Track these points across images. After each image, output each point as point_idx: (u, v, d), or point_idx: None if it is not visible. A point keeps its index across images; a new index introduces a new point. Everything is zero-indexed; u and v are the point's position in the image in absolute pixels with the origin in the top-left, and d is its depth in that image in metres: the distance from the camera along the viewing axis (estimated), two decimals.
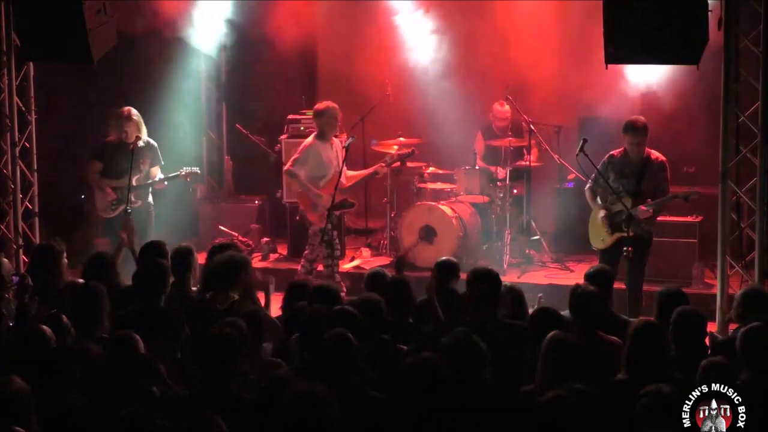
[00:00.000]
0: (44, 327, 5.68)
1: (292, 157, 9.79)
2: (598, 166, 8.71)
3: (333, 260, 9.84)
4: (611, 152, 8.82)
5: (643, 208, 8.53)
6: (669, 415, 4.72)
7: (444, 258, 7.69)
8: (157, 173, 9.69)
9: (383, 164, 10.26)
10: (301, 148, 9.78)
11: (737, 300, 6.60)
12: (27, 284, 7.21)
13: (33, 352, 5.44)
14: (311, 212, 9.83)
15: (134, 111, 9.61)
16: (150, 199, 9.75)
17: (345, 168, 9.72)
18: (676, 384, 4.98)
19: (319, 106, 9.91)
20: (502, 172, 11.05)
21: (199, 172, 9.95)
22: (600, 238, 8.86)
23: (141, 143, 9.56)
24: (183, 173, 9.72)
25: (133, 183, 9.53)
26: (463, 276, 7.34)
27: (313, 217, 9.79)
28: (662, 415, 4.70)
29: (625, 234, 8.45)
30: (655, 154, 8.77)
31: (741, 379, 5.16)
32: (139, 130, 9.58)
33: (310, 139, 9.83)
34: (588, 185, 9.00)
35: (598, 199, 8.92)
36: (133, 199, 9.55)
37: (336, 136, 10.06)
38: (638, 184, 8.68)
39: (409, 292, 6.79)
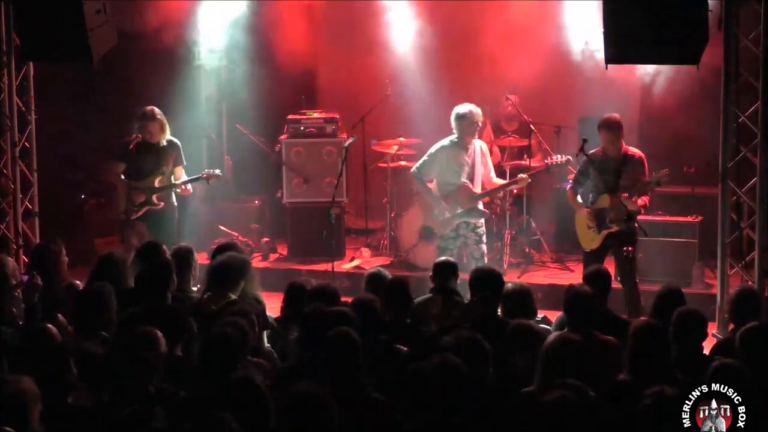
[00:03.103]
0: (50, 326, 5.68)
1: (421, 159, 9.59)
2: (578, 167, 8.79)
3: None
4: (589, 152, 8.90)
5: (625, 195, 8.60)
6: (672, 417, 4.72)
7: (442, 258, 7.69)
8: (181, 173, 9.68)
9: (526, 175, 9.67)
10: (430, 150, 9.54)
11: (730, 302, 6.61)
12: (36, 283, 7.21)
13: (37, 351, 5.44)
14: (431, 218, 9.65)
15: (157, 110, 9.59)
16: (174, 200, 9.75)
17: (482, 174, 9.41)
18: (677, 384, 4.98)
19: (460, 108, 9.36)
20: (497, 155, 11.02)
21: (220, 174, 9.94)
22: (590, 238, 8.91)
23: (164, 142, 9.58)
24: (205, 175, 9.73)
25: (156, 184, 9.55)
26: (464, 276, 7.36)
27: (433, 223, 9.67)
28: (665, 416, 4.69)
29: (612, 230, 8.65)
30: (632, 150, 8.90)
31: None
32: (163, 129, 9.58)
33: (443, 142, 9.49)
34: (569, 186, 9.07)
35: (579, 199, 8.98)
36: (155, 200, 9.56)
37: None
38: (617, 180, 8.76)
39: (407, 292, 6.78)
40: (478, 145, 9.52)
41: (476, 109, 9.34)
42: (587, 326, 6.11)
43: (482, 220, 9.56)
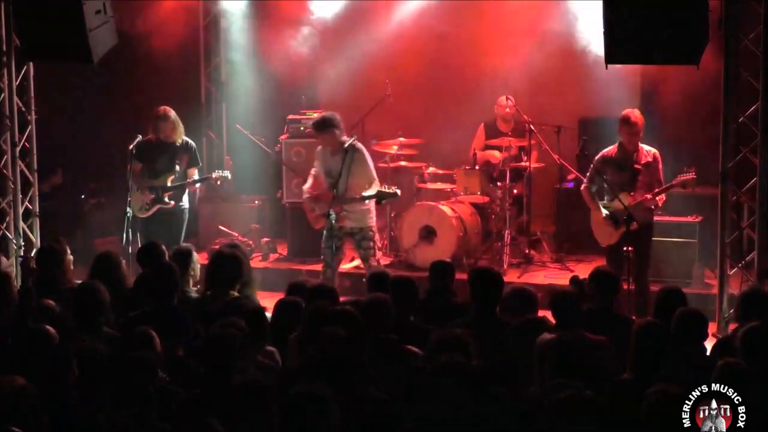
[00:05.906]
0: (47, 327, 5.69)
1: None
2: (593, 165, 8.81)
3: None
4: (602, 152, 8.91)
5: (648, 196, 8.71)
6: (674, 416, 4.72)
7: (438, 260, 7.66)
8: (195, 174, 9.76)
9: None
10: None
11: (737, 300, 6.62)
12: (30, 267, 7.21)
13: (35, 351, 5.44)
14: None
15: (171, 110, 9.68)
16: (185, 200, 9.78)
17: (351, 182, 9.19)
18: (679, 384, 4.98)
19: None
20: (497, 158, 11.00)
21: (229, 176, 10.02)
22: (607, 234, 8.96)
23: (179, 142, 9.67)
24: (214, 176, 9.87)
25: (168, 183, 9.60)
26: (464, 276, 7.35)
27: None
28: (667, 416, 4.69)
29: (629, 229, 8.62)
30: (647, 148, 8.94)
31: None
32: (176, 129, 9.64)
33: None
34: (584, 185, 9.09)
35: (596, 198, 9.01)
36: (166, 199, 9.60)
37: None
38: (634, 178, 8.82)
39: (411, 291, 6.78)
40: (353, 153, 9.22)
41: (328, 116, 9.30)
42: (574, 326, 6.10)
43: (366, 229, 9.37)
